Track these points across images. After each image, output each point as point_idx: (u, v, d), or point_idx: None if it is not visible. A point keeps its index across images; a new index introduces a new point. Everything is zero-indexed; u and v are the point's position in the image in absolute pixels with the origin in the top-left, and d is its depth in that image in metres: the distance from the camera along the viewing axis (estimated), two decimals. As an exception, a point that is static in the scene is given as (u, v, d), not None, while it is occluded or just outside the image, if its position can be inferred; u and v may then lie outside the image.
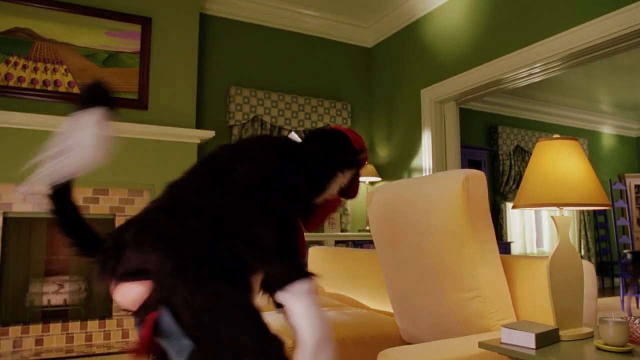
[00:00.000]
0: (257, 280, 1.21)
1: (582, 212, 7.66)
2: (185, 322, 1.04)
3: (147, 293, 1.07)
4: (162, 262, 1.05)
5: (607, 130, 8.36)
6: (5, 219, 3.56)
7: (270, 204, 1.17)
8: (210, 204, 1.14)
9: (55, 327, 3.54)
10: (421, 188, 1.71)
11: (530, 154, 5.89)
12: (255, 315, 1.09)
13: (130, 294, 1.09)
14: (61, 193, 1.15)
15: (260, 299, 1.27)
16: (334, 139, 1.38)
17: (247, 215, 1.13)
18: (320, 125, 4.99)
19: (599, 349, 1.23)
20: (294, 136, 1.41)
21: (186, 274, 1.04)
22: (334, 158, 1.35)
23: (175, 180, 1.26)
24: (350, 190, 1.46)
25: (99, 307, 3.83)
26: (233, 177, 1.17)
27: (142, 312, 1.09)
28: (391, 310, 2.35)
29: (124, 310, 1.17)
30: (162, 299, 1.06)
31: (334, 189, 1.38)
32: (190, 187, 1.20)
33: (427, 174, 4.51)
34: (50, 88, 3.72)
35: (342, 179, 1.38)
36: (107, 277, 1.12)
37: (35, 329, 3.49)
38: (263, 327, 1.08)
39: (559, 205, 1.39)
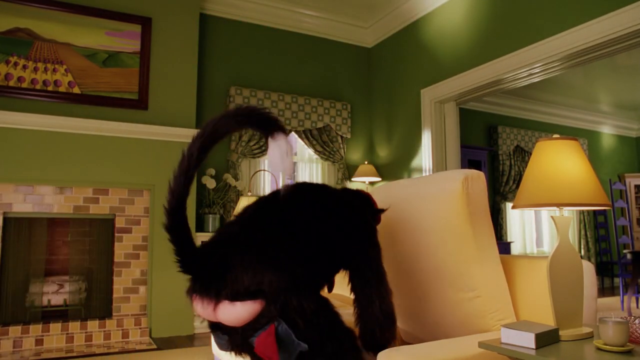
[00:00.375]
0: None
1: (582, 212, 7.66)
2: (299, 328, 1.23)
3: (258, 309, 1.21)
4: (279, 280, 1.21)
5: (607, 130, 8.36)
6: (5, 219, 3.56)
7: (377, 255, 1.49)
8: (315, 235, 1.36)
9: (55, 327, 3.54)
10: (421, 188, 1.71)
11: (530, 154, 5.89)
12: (337, 313, 1.36)
13: (239, 311, 1.21)
14: (177, 213, 1.24)
15: None
16: (366, 199, 1.61)
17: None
18: (320, 125, 4.99)
19: (598, 349, 1.23)
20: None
21: (299, 289, 1.24)
22: (369, 213, 1.58)
23: (262, 204, 1.42)
24: None
25: (99, 307, 3.84)
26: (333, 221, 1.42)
27: (248, 327, 1.24)
28: (391, 310, 2.35)
29: (214, 327, 1.31)
30: (278, 312, 1.22)
31: None
32: (287, 217, 1.36)
33: (427, 174, 4.52)
34: (50, 88, 3.72)
35: None
36: (211, 297, 1.23)
37: (35, 329, 3.49)
38: (343, 321, 1.36)
39: (559, 205, 1.39)
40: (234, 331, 1.26)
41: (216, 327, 1.31)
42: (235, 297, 1.20)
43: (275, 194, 1.46)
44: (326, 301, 1.33)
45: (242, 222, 1.36)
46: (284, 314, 1.23)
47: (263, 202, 1.42)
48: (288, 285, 1.22)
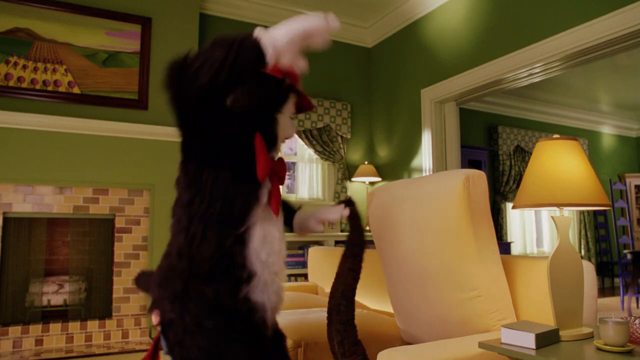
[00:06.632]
0: None
1: (582, 212, 7.66)
2: (170, 340, 1.29)
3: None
4: (161, 295, 1.31)
5: (607, 130, 8.36)
6: (5, 219, 3.56)
7: None
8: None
9: (55, 327, 3.54)
10: (421, 188, 1.71)
11: (530, 154, 5.89)
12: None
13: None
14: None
15: None
16: None
17: None
18: (320, 125, 4.98)
19: (599, 349, 1.23)
20: None
21: (175, 303, 1.29)
22: None
23: None
24: None
25: (98, 307, 3.83)
26: None
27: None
28: (391, 310, 2.35)
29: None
30: (162, 322, 1.31)
31: None
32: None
33: (427, 174, 4.51)
34: (50, 88, 3.72)
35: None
36: None
37: (35, 329, 3.49)
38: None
39: (559, 205, 1.39)
40: None
41: None
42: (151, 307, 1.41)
43: None
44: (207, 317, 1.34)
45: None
46: (165, 325, 1.34)
47: None
48: (168, 300, 1.33)
